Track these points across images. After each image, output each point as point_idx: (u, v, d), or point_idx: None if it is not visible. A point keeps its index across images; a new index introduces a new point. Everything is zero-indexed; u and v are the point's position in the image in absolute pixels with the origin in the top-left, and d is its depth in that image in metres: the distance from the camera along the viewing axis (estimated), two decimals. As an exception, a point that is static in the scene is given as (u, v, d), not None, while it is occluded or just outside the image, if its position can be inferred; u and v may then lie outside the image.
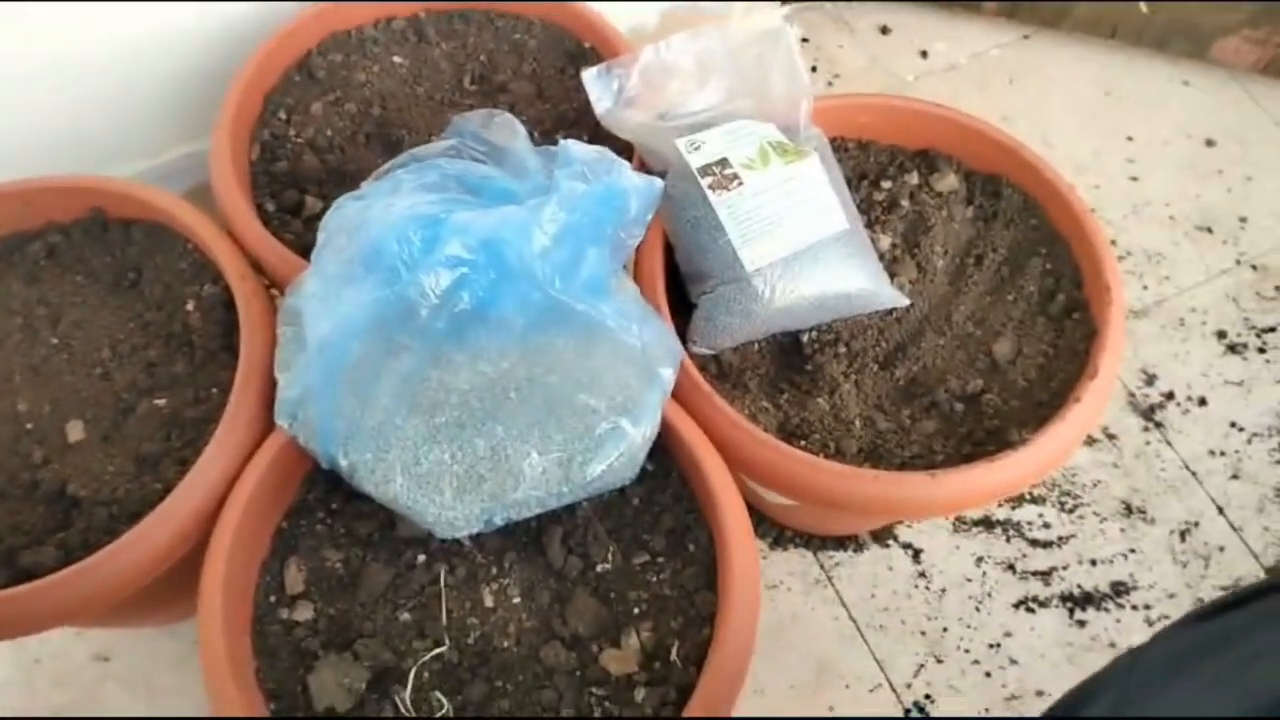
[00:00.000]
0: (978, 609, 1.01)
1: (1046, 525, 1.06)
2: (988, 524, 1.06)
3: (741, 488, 0.74)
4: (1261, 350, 1.18)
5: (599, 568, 0.74)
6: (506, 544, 0.75)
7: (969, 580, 1.03)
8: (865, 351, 0.85)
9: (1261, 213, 1.29)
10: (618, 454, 0.70)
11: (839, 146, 0.95)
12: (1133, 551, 1.05)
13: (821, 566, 1.04)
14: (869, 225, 0.90)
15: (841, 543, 1.04)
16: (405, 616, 0.72)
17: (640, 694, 0.68)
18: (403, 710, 0.68)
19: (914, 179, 0.93)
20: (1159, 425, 1.13)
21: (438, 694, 0.69)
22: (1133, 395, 1.15)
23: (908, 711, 0.96)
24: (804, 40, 1.44)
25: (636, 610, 0.72)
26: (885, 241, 0.90)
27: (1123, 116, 1.37)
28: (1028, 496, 1.08)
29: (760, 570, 0.74)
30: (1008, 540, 1.05)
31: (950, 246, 0.90)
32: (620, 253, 0.74)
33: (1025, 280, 0.88)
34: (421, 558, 0.74)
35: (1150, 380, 1.16)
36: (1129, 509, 1.08)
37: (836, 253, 0.82)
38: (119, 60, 1.01)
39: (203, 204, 0.87)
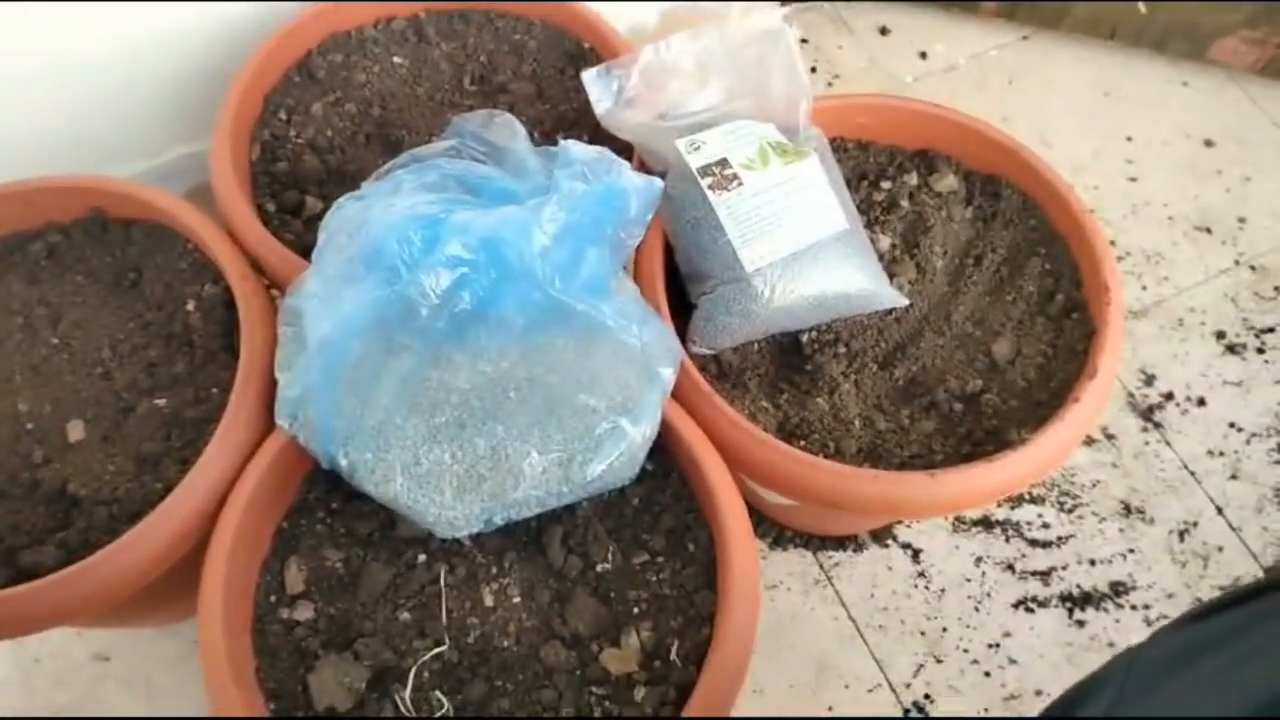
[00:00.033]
0: (977, 609, 1.02)
1: (1046, 525, 1.06)
2: (987, 524, 1.06)
3: (741, 488, 0.74)
4: (1260, 350, 1.18)
5: (599, 567, 0.74)
6: (506, 544, 0.75)
7: (968, 580, 1.03)
8: (865, 351, 0.85)
9: (1260, 213, 1.29)
10: (618, 454, 0.70)
11: (838, 147, 0.95)
12: (1132, 551, 1.05)
13: (821, 566, 1.04)
14: (868, 225, 0.90)
15: (841, 543, 1.05)
16: (405, 616, 0.72)
17: (640, 693, 0.68)
18: (403, 709, 0.68)
19: (913, 179, 0.93)
20: (1158, 425, 1.13)
21: (438, 693, 0.69)
22: (1132, 395, 1.15)
23: (907, 711, 0.97)
24: (803, 41, 1.44)
25: (636, 610, 0.72)
26: (885, 242, 0.90)
27: (1122, 117, 1.38)
28: (1027, 496, 1.08)
29: (760, 570, 0.74)
30: (1007, 540, 1.05)
31: (949, 247, 0.90)
32: (620, 253, 0.74)
33: (1024, 280, 0.88)
34: (422, 557, 0.74)
35: (1149, 380, 1.16)
36: (1128, 509, 1.08)
37: (836, 253, 0.82)
38: (119, 61, 1.01)
39: (203, 204, 0.87)
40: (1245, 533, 1.06)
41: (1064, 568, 1.04)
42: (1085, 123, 1.37)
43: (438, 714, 0.68)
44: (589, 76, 0.87)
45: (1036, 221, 0.91)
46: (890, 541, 1.05)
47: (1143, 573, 1.04)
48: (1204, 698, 0.40)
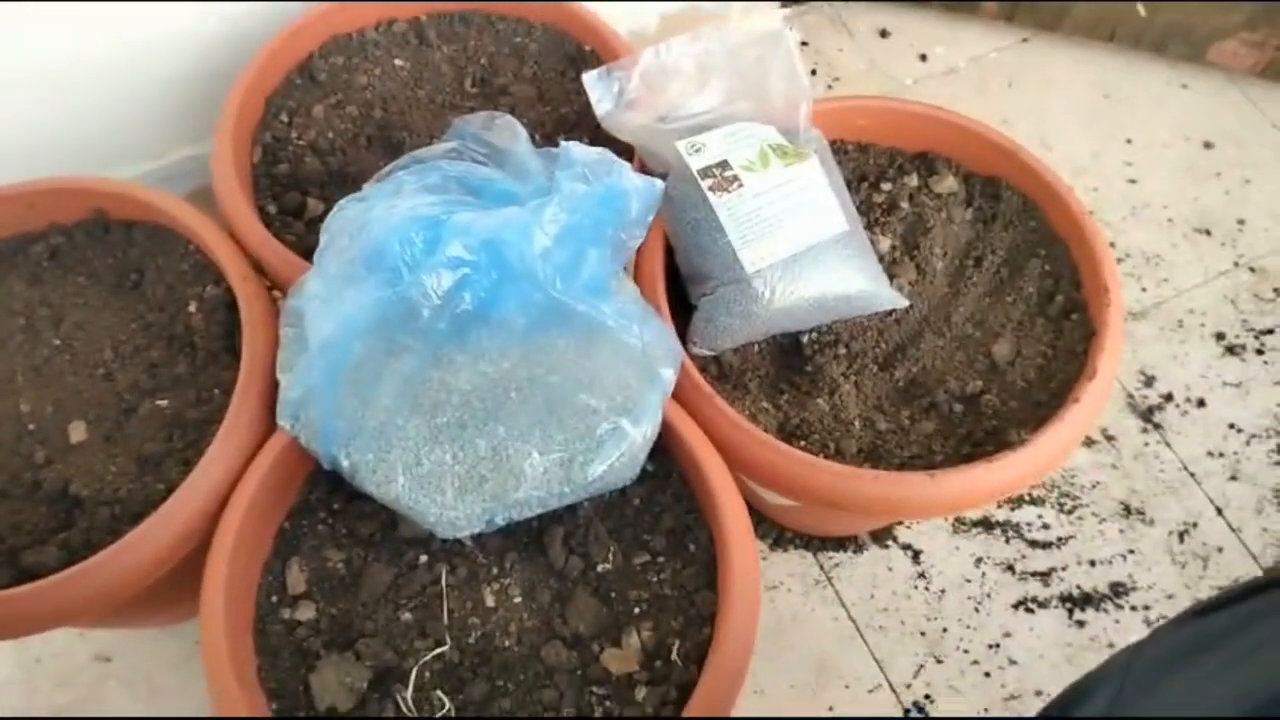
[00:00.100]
0: (977, 609, 1.02)
1: (1045, 526, 1.07)
2: (987, 525, 1.07)
3: (742, 488, 0.75)
4: (1260, 352, 1.18)
5: (600, 567, 0.74)
6: (508, 544, 0.75)
7: (968, 581, 1.03)
8: (865, 353, 0.85)
9: (1259, 215, 1.29)
10: (618, 454, 0.70)
11: (839, 149, 0.95)
12: (1131, 552, 1.05)
13: (821, 567, 1.04)
14: (868, 227, 0.90)
15: (841, 543, 1.05)
16: (407, 616, 0.72)
17: (641, 693, 0.68)
18: (404, 709, 0.68)
19: (913, 181, 0.94)
20: (1158, 426, 1.13)
21: (439, 693, 0.69)
22: (1131, 397, 1.15)
23: (907, 711, 0.97)
24: (803, 43, 1.45)
25: (637, 610, 0.72)
26: (885, 243, 0.90)
27: (1121, 119, 1.38)
28: (1027, 497, 1.08)
29: (760, 570, 0.74)
30: (1007, 541, 1.06)
31: (949, 248, 0.91)
32: (621, 254, 0.75)
33: (1024, 282, 0.88)
34: (423, 558, 0.74)
35: (1149, 382, 1.16)
36: (1128, 510, 1.08)
37: (836, 254, 0.83)
38: (121, 63, 1.01)
39: (205, 206, 0.87)
40: (1245, 534, 1.07)
41: (1064, 568, 1.04)
42: (1085, 125, 1.37)
43: (439, 714, 0.68)
44: (590, 79, 0.87)
45: (1036, 223, 0.91)
46: (890, 542, 1.05)
47: (1143, 574, 1.04)
48: (1203, 696, 0.40)
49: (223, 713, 0.65)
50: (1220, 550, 1.06)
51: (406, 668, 0.70)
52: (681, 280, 0.86)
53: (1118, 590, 1.03)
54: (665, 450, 0.78)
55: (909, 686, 0.98)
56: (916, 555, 1.05)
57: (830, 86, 1.41)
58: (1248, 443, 1.12)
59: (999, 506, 1.08)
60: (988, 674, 0.98)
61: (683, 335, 0.83)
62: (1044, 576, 1.04)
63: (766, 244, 0.80)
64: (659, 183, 0.74)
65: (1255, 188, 1.32)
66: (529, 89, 1.01)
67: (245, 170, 0.93)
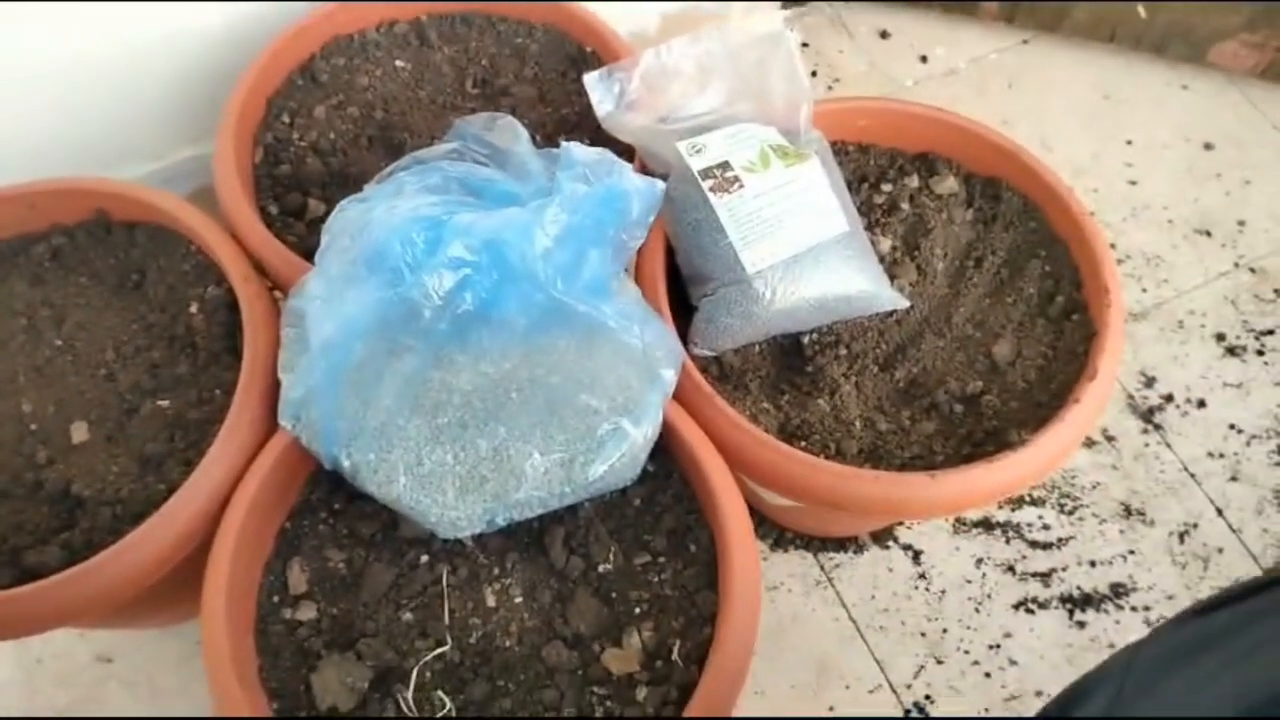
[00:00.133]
0: (977, 610, 1.02)
1: (1046, 527, 1.07)
2: (987, 525, 1.07)
3: (742, 489, 0.75)
4: (1260, 353, 1.19)
5: (600, 568, 0.74)
6: (508, 544, 0.75)
7: (969, 581, 1.03)
8: (865, 353, 0.85)
9: (1260, 216, 1.29)
10: (619, 455, 0.71)
11: (839, 150, 0.95)
12: (1132, 553, 1.05)
13: (822, 568, 1.04)
14: (869, 228, 0.90)
15: (841, 544, 1.05)
16: (408, 616, 0.72)
17: (641, 693, 0.68)
18: (405, 709, 0.68)
19: (914, 182, 0.94)
20: (1158, 427, 1.13)
21: (440, 693, 0.69)
22: (1132, 397, 1.15)
23: (908, 712, 0.97)
24: (804, 45, 1.45)
25: (638, 610, 0.72)
26: (885, 244, 0.90)
27: (1121, 120, 1.38)
28: (1027, 498, 1.08)
29: (761, 571, 0.74)
30: (1007, 542, 1.06)
31: (950, 249, 0.91)
32: (622, 254, 0.75)
33: (1024, 282, 0.88)
34: (424, 558, 0.75)
35: (1149, 382, 1.16)
36: (1128, 511, 1.08)
37: (837, 255, 0.83)
38: (123, 64, 1.01)
39: (206, 206, 0.87)
40: (1245, 534, 1.07)
41: (1064, 569, 1.04)
42: (1085, 126, 1.37)
43: (440, 714, 0.68)
44: (590, 79, 0.88)
45: (1037, 224, 0.91)
46: (891, 543, 1.05)
47: (1143, 574, 1.04)
48: (1203, 695, 0.40)
49: (224, 713, 0.65)
50: (1220, 551, 1.06)
51: (407, 668, 0.70)
52: (682, 281, 0.86)
53: (1118, 591, 1.03)
54: (666, 451, 0.78)
55: (909, 687, 0.98)
56: (917, 556, 1.05)
57: (831, 88, 1.41)
58: (1248, 443, 1.12)
59: (999, 507, 1.08)
60: (988, 674, 0.98)
61: (683, 336, 0.83)
62: (1044, 577, 1.04)
63: (767, 245, 0.81)
64: (660, 183, 0.74)
65: (1255, 189, 1.32)
66: (530, 90, 1.01)
67: (247, 171, 0.93)
